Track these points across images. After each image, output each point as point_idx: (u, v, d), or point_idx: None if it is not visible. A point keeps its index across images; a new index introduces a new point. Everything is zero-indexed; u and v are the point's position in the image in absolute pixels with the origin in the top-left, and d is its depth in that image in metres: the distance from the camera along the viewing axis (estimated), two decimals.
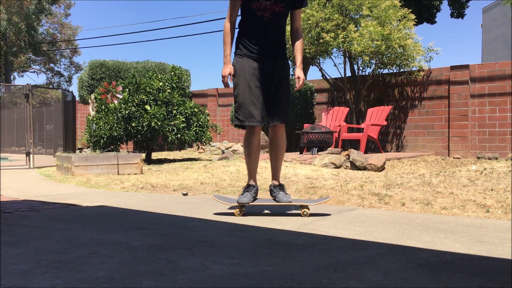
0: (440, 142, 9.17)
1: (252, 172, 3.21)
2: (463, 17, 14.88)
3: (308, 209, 3.02)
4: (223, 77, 3.09)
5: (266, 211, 3.28)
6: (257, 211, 3.28)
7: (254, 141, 3.11)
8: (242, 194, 3.14)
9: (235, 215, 3.04)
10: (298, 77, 3.09)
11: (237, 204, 3.09)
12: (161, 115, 7.93)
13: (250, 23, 3.06)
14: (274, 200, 3.17)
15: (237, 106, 3.06)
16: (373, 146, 9.74)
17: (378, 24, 8.64)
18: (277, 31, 3.10)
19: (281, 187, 3.20)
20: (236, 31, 3.19)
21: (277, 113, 3.08)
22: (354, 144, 9.46)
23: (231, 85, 3.16)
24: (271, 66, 3.08)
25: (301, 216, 3.04)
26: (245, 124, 3.03)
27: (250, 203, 3.10)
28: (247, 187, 3.17)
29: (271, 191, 3.23)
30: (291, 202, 3.10)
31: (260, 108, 3.02)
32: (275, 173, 3.26)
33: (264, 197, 3.99)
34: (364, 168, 6.35)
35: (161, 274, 1.71)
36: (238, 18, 3.18)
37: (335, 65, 10.88)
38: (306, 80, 11.43)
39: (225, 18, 3.14)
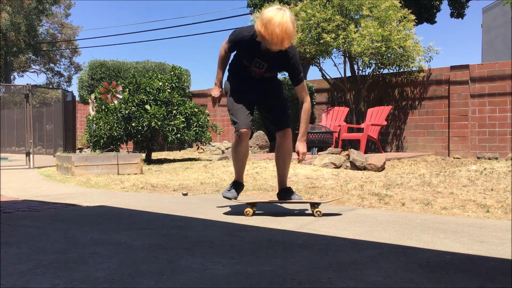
0: (440, 142, 9.17)
1: (240, 172, 3.27)
2: (463, 17, 14.88)
3: (320, 208, 3.03)
4: (212, 97, 3.21)
5: (266, 212, 3.28)
6: (256, 211, 3.28)
7: (242, 148, 3.12)
8: (229, 190, 3.19)
9: (244, 215, 3.02)
10: (298, 151, 3.13)
11: (228, 198, 3.15)
12: (161, 115, 7.93)
13: (241, 71, 3.13)
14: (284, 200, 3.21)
15: (231, 117, 3.13)
16: (373, 146, 9.75)
17: (378, 24, 8.64)
18: (267, 83, 3.18)
19: (290, 189, 3.26)
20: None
21: (281, 119, 3.17)
22: (354, 144, 9.46)
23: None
24: (265, 91, 3.17)
25: (305, 216, 3.04)
26: (237, 129, 3.06)
27: (234, 200, 3.16)
28: (235, 184, 3.23)
29: (280, 196, 3.26)
30: (301, 199, 3.15)
31: (250, 115, 3.07)
32: (283, 179, 3.29)
33: (264, 197, 3.99)
34: (364, 168, 6.35)
35: (161, 274, 1.71)
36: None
37: (335, 65, 10.88)
38: (306, 80, 11.43)
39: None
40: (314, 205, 3.05)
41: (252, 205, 3.09)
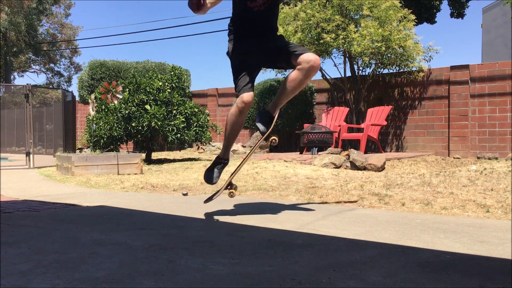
0: (440, 142, 9.17)
1: (229, 148, 3.12)
2: (463, 17, 14.90)
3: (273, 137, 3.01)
4: None
5: (266, 212, 3.28)
6: (256, 211, 3.28)
7: (242, 118, 2.99)
8: (211, 169, 3.06)
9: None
10: None
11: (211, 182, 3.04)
12: (161, 115, 7.93)
13: (244, 20, 3.01)
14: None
15: (235, 81, 3.01)
16: (373, 146, 9.74)
17: (378, 24, 8.64)
18: (271, 19, 3.07)
19: (272, 118, 3.09)
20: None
21: (298, 47, 2.94)
22: (354, 144, 9.46)
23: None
24: (269, 41, 3.04)
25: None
26: (240, 93, 2.93)
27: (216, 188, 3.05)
28: (221, 160, 3.08)
29: (260, 114, 3.11)
30: (264, 131, 3.04)
31: (253, 81, 2.98)
32: (277, 103, 3.08)
33: (264, 197, 3.99)
34: (364, 168, 6.35)
35: (161, 274, 1.71)
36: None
37: (335, 65, 10.88)
38: None
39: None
40: (267, 137, 3.01)
41: (230, 186, 3.04)
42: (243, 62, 3.03)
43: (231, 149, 3.29)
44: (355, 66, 9.78)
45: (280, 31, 9.00)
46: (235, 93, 3.03)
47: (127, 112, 8.01)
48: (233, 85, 3.15)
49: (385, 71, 9.62)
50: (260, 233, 2.48)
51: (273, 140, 3.04)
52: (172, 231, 2.53)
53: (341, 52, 9.61)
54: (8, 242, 2.29)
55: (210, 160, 8.17)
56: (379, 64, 9.29)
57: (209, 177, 3.06)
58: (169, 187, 4.84)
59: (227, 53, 3.11)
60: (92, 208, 3.52)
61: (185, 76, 9.82)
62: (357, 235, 2.39)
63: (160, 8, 68.51)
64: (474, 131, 8.79)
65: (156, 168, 7.40)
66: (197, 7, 2.63)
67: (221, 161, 3.11)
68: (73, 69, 30.08)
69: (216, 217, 3.00)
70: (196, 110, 8.61)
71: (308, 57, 2.82)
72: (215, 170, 3.07)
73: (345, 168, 6.51)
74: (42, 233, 2.53)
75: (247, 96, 2.90)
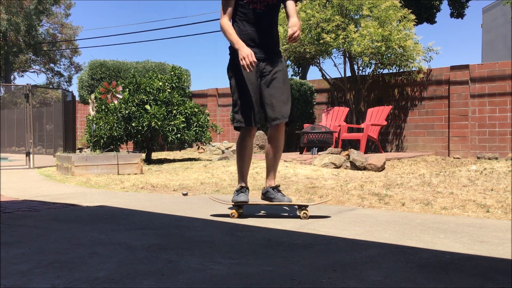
0: (440, 142, 9.17)
1: (244, 174, 3.15)
2: (463, 17, 14.91)
3: (307, 210, 2.95)
4: (246, 57, 2.79)
5: (265, 212, 3.28)
6: (256, 211, 3.28)
7: (249, 144, 3.06)
8: (237, 195, 3.05)
9: (230, 217, 2.98)
10: (294, 26, 2.85)
11: (233, 204, 3.01)
12: (161, 115, 7.93)
13: (243, 19, 2.98)
14: (272, 201, 3.11)
15: (234, 108, 3.02)
16: (373, 146, 9.74)
17: (378, 24, 8.64)
18: (271, 26, 3.04)
19: (278, 188, 3.15)
20: None
21: (279, 111, 3.00)
22: (354, 144, 9.46)
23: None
24: (268, 64, 3.01)
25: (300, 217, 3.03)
26: (242, 126, 2.98)
27: (249, 203, 3.05)
28: (240, 189, 3.08)
29: (267, 192, 3.14)
30: (291, 201, 3.08)
31: (257, 110, 2.99)
32: (272, 174, 3.19)
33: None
34: (364, 168, 6.35)
35: (161, 274, 1.71)
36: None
37: (335, 65, 10.90)
38: (306, 79, 11.41)
39: None
40: (301, 207, 2.96)
41: (238, 205, 3.01)
42: (247, 79, 2.95)
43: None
44: (355, 66, 9.78)
45: (280, 30, 9.00)
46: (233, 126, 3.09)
47: (127, 112, 8.01)
48: None
49: (385, 71, 9.62)
50: (260, 233, 2.48)
51: None
52: (172, 231, 2.53)
53: (341, 52, 9.62)
54: (8, 242, 2.29)
55: (210, 160, 8.17)
56: (379, 64, 9.29)
57: (240, 199, 3.02)
58: (169, 187, 4.84)
59: (231, 73, 3.04)
60: (92, 208, 3.52)
61: (185, 76, 9.82)
62: (357, 235, 2.39)
63: (160, 8, 68.49)
64: (474, 131, 8.79)
65: (156, 168, 7.40)
66: None
67: (242, 187, 3.10)
68: (73, 69, 30.09)
69: (216, 217, 3.00)
70: (196, 110, 8.61)
71: (273, 133, 3.09)
72: (241, 193, 3.05)
73: (345, 168, 6.51)
74: (42, 233, 2.53)
75: (251, 129, 3.03)
